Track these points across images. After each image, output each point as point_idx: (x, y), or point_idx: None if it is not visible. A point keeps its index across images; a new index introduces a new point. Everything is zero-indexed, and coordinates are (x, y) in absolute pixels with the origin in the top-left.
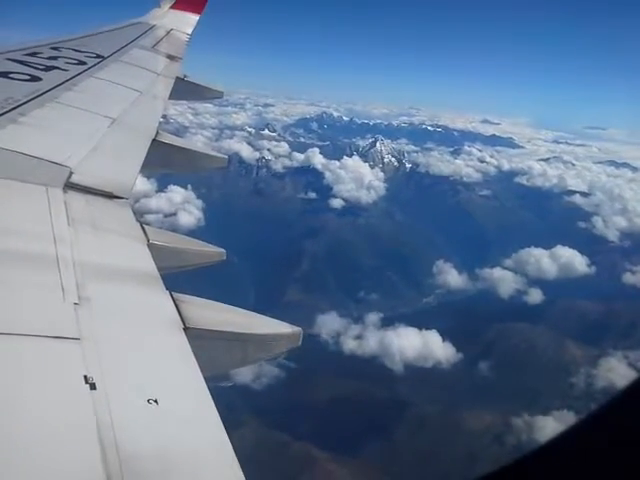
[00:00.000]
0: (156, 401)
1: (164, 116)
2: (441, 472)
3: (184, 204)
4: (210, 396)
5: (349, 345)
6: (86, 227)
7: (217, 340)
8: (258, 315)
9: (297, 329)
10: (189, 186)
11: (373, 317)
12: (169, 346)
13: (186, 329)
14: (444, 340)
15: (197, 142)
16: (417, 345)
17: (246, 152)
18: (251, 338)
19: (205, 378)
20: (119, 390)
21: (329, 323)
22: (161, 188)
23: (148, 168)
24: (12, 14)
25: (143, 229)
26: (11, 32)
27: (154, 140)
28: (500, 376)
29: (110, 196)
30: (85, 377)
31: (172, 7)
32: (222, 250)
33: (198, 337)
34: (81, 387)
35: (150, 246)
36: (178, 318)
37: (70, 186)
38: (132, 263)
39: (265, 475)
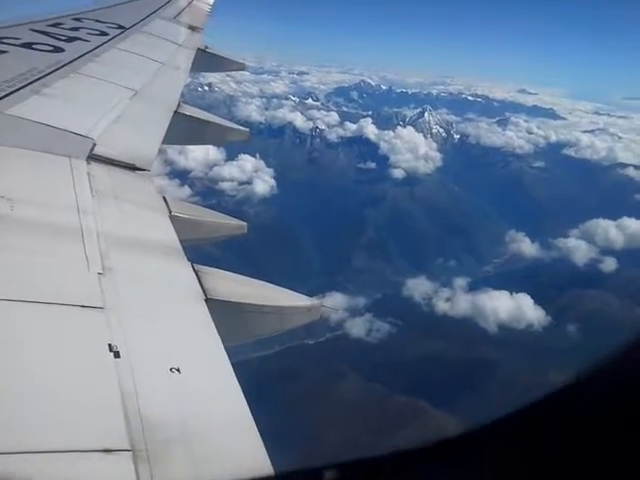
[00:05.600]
0: (178, 370)
1: (209, 84)
2: None
3: (257, 172)
4: (230, 365)
5: (441, 307)
6: (109, 198)
7: (237, 311)
8: (278, 288)
9: (317, 302)
10: (257, 155)
11: (460, 281)
12: (191, 316)
13: (207, 300)
14: (535, 303)
15: (252, 112)
16: (508, 307)
17: (299, 122)
18: (271, 310)
19: (226, 348)
20: (142, 358)
21: (418, 286)
22: (231, 156)
23: (170, 140)
24: None
25: (165, 201)
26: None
27: (175, 112)
28: (583, 339)
29: (132, 168)
30: (109, 345)
31: None
32: (243, 223)
33: (219, 308)
34: (105, 355)
35: (172, 218)
36: (199, 289)
37: (93, 157)
38: (154, 234)
39: (374, 423)
